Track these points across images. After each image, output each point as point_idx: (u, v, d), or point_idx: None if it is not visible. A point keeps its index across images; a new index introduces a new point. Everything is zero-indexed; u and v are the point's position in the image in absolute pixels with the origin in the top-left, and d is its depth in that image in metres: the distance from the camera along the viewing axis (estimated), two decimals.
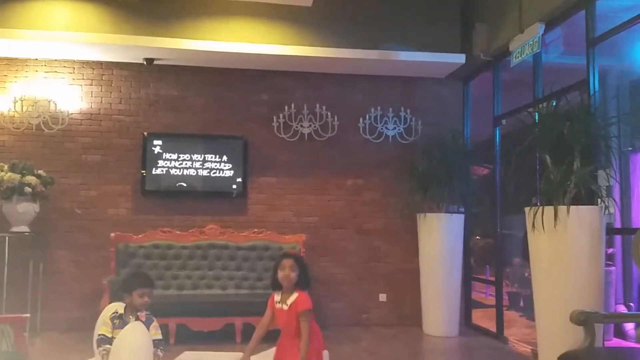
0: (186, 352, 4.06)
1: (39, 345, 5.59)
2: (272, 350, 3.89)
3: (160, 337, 3.28)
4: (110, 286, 5.62)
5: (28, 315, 3.82)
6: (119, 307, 3.31)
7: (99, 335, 3.23)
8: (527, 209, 4.40)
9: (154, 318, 3.31)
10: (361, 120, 6.95)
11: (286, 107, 6.81)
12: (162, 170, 6.58)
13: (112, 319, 3.26)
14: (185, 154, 6.62)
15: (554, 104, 4.57)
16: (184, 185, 6.62)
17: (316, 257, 6.69)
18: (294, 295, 3.32)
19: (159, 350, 3.21)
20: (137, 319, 3.22)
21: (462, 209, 6.72)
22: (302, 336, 3.23)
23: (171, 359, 3.86)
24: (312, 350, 3.27)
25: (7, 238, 5.80)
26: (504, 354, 5.68)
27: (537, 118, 4.63)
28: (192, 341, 5.32)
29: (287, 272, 3.31)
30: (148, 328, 3.19)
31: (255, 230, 6.62)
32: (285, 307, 3.31)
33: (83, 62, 6.60)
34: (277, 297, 3.40)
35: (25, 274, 5.98)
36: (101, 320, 3.31)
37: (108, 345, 3.13)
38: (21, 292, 5.96)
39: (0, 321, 3.58)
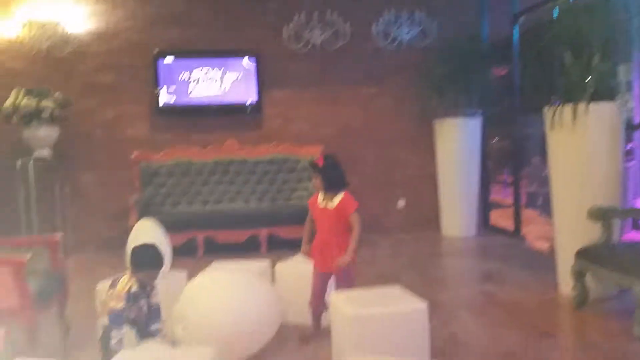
0: (215, 263, 4.22)
1: (72, 264, 5.82)
2: (297, 257, 4.01)
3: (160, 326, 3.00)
4: (136, 206, 5.78)
5: (61, 234, 3.90)
6: (133, 282, 2.89)
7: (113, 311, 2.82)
8: (545, 108, 4.35)
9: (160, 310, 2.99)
10: (374, 25, 6.75)
11: (296, 17, 6.62)
12: (175, 88, 6.55)
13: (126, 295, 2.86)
14: (196, 70, 6.56)
15: None
16: (198, 102, 6.61)
17: None
18: (339, 196, 3.35)
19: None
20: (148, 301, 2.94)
21: (479, 112, 6.65)
22: (354, 232, 3.28)
23: (201, 270, 4.03)
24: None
25: (31, 162, 5.94)
26: (521, 251, 5.84)
27: (556, 13, 4.46)
28: (220, 253, 5.51)
29: (313, 181, 3.44)
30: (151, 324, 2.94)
31: (274, 143, 6.67)
32: (330, 207, 3.34)
33: None
34: (320, 197, 3.41)
35: (53, 197, 6.16)
36: (112, 294, 2.88)
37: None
38: (50, 215, 6.16)
39: (34, 244, 3.71)
